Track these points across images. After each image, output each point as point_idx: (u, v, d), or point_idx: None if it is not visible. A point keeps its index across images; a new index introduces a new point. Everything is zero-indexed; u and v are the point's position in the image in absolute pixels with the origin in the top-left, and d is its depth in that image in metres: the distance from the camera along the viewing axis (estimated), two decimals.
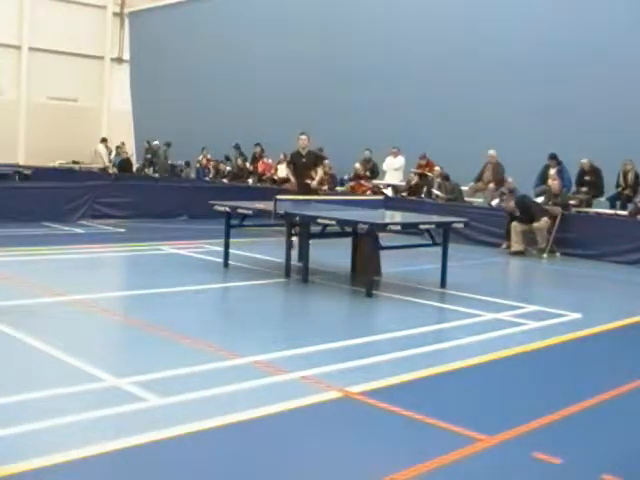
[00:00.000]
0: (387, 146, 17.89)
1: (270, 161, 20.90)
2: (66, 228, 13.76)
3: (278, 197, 9.82)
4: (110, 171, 24.29)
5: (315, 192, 12.10)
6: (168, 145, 23.47)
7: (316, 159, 12.26)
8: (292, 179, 12.55)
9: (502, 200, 14.34)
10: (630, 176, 13.94)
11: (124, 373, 5.04)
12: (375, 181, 18.03)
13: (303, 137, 11.93)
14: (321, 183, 12.34)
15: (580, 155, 14.24)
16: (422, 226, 9.74)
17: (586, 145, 14.39)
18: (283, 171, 20.42)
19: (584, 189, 14.28)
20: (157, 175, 23.04)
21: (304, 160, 11.91)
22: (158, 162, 23.75)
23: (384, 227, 8.98)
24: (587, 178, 14.31)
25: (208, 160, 22.73)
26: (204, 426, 4.15)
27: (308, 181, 11.97)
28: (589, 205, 14.29)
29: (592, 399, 5.06)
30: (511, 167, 15.26)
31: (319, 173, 12.34)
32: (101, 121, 30.40)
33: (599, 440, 4.37)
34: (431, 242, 9.51)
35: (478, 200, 16.16)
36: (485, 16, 16.85)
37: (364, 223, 8.49)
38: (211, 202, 10.46)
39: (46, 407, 4.38)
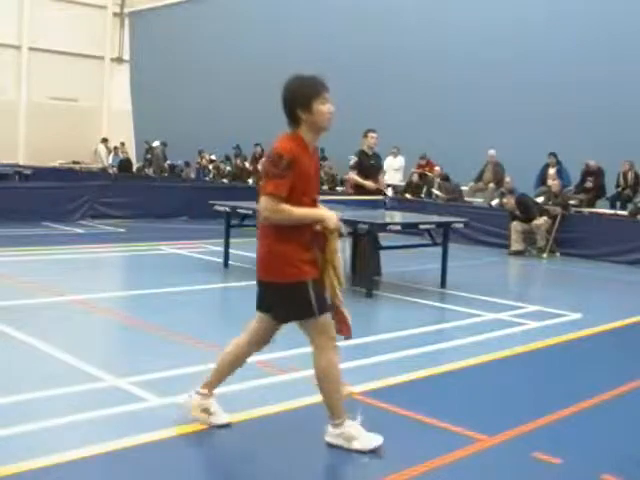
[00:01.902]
0: (387, 146, 17.88)
1: None
2: (66, 228, 13.75)
3: None
4: (110, 171, 24.29)
5: None
6: (164, 145, 23.44)
7: (380, 161, 10.42)
8: (365, 182, 9.87)
9: (502, 198, 14.35)
10: (630, 176, 13.95)
11: (124, 373, 5.04)
12: None
13: (375, 135, 9.92)
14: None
15: (580, 155, 14.24)
16: (422, 226, 9.74)
17: (586, 145, 14.39)
18: None
19: (590, 188, 14.25)
20: (154, 175, 23.04)
21: (372, 162, 9.96)
22: (154, 161, 23.75)
23: (384, 227, 8.98)
24: (592, 179, 14.29)
25: (208, 160, 22.73)
26: (204, 426, 4.15)
27: (381, 187, 10.23)
28: (592, 205, 14.29)
29: (592, 399, 5.06)
30: (511, 167, 15.27)
31: (382, 179, 10.55)
32: (101, 121, 30.40)
33: (599, 440, 4.37)
34: (431, 242, 9.51)
35: (478, 200, 16.17)
36: (485, 16, 16.86)
37: (364, 223, 8.49)
38: (211, 202, 10.47)
39: (46, 407, 4.38)
